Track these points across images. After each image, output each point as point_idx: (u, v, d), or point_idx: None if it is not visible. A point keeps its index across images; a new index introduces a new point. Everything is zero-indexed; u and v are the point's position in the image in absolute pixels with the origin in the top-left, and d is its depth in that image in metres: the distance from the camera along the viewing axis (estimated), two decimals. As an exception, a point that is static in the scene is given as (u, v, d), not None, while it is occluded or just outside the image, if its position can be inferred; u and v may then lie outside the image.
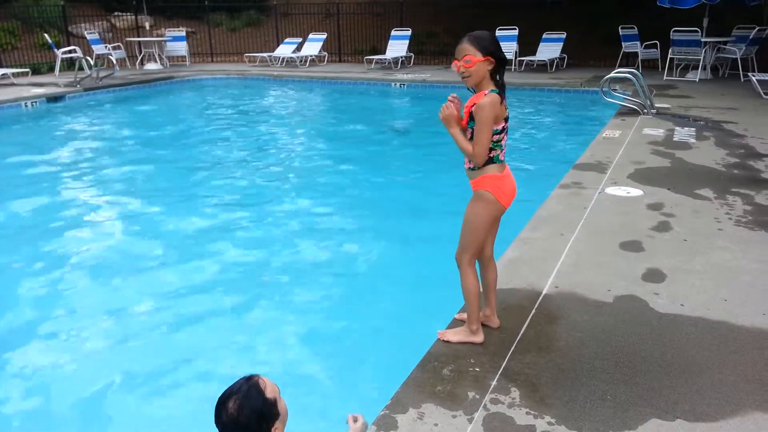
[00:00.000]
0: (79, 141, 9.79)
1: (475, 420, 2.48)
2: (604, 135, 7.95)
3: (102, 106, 12.92)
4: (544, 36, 15.83)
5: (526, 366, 2.84)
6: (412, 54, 17.60)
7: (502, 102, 2.73)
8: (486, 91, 2.71)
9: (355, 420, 2.37)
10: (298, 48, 18.50)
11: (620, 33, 14.83)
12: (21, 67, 15.14)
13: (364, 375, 3.56)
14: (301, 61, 18.09)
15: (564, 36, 15.55)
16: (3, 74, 13.78)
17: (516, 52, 15.62)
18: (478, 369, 2.83)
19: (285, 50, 18.40)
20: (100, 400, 3.37)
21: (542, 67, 15.61)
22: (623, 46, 14.81)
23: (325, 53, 18.72)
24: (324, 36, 18.47)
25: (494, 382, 2.73)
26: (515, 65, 15.65)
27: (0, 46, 15.70)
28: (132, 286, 4.68)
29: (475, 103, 2.72)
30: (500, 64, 2.76)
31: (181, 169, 8.20)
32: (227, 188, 7.24)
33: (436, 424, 2.46)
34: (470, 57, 2.71)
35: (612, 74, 9.70)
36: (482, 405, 2.57)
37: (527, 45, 15.93)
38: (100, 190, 7.22)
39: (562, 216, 4.85)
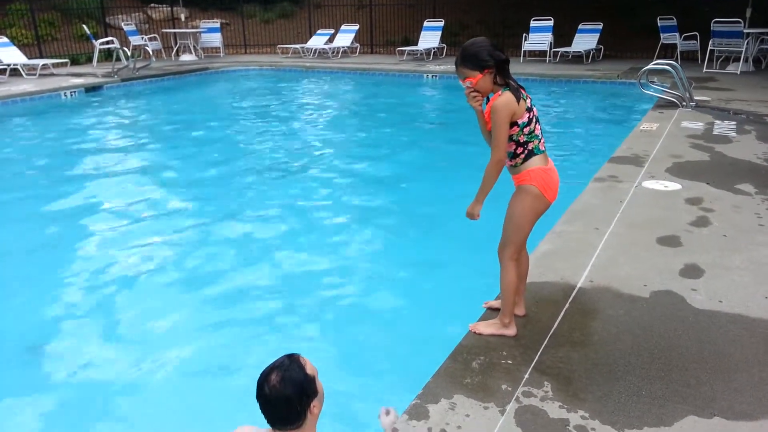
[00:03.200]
0: (116, 130, 9.99)
1: (507, 412, 2.48)
2: (641, 128, 7.79)
3: (138, 97, 13.15)
4: (580, 27, 15.56)
5: (559, 360, 2.82)
6: (444, 45, 17.48)
7: (519, 97, 2.70)
8: (499, 92, 2.69)
9: (387, 413, 2.39)
10: (331, 39, 18.53)
11: (658, 24, 14.50)
12: (60, 58, 15.48)
13: (395, 366, 3.57)
14: (333, 52, 18.12)
15: (600, 27, 15.26)
16: (43, 64, 14.11)
17: (551, 43, 15.40)
18: (510, 361, 2.81)
19: (317, 41, 18.45)
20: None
21: (578, 58, 15.36)
22: (661, 37, 14.48)
23: (357, 44, 18.71)
24: (356, 27, 18.46)
25: (527, 375, 2.71)
26: (550, 56, 15.43)
27: (40, 36, 16.06)
28: (158, 273, 4.76)
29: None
30: (500, 66, 2.70)
31: (214, 158, 8.31)
32: (258, 178, 7.31)
33: (467, 415, 2.46)
34: (470, 79, 2.70)
35: (650, 66, 9.50)
36: (514, 397, 2.56)
37: (562, 36, 15.69)
38: (135, 179, 7.37)
39: (597, 209, 4.78)
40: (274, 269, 4.83)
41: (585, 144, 8.78)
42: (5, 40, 14.31)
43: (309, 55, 18.24)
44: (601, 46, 15.46)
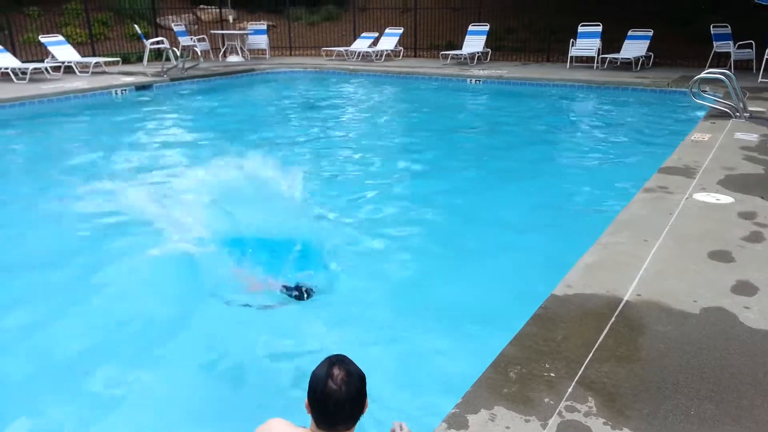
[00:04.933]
0: (164, 128, 10.23)
1: (549, 426, 2.42)
2: (692, 138, 7.57)
3: (186, 96, 13.43)
4: (630, 33, 15.22)
5: (604, 375, 2.74)
6: (489, 50, 17.34)
7: None
8: None
9: (401, 428, 2.32)
10: (375, 42, 18.59)
11: (712, 32, 14.08)
12: (112, 56, 15.92)
13: (433, 374, 3.53)
14: (376, 55, 18.17)
15: (651, 33, 14.90)
16: (96, 63, 14.54)
17: (599, 49, 15.11)
18: (552, 374, 2.75)
19: (361, 45, 18.53)
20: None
21: (626, 65, 15.03)
22: (714, 45, 14.04)
23: (401, 48, 18.72)
24: (400, 31, 18.47)
25: (570, 389, 2.64)
26: (597, 62, 15.15)
27: (94, 35, 16.57)
28: (210, 269, 4.81)
29: None
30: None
31: (259, 158, 8.39)
32: (301, 180, 7.34)
33: (508, 427, 2.42)
34: None
35: (702, 74, 9.21)
36: (557, 411, 2.50)
37: (611, 42, 15.38)
38: (183, 176, 7.51)
39: (645, 221, 4.65)
40: (315, 267, 4.85)
41: (633, 153, 8.58)
42: (60, 38, 14.80)
43: (353, 58, 18.33)
44: (651, 54, 15.10)
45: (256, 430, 1.91)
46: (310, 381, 1.90)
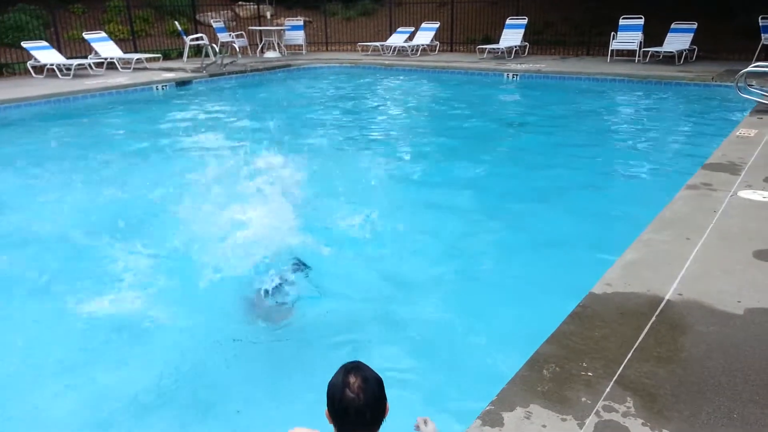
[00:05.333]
0: (203, 123, 10.39)
1: (586, 426, 2.38)
2: (738, 134, 7.34)
3: (225, 92, 13.62)
4: (673, 26, 14.84)
5: (643, 375, 2.68)
6: (527, 43, 17.13)
7: None
8: None
9: (426, 423, 2.27)
10: (410, 37, 18.54)
11: (760, 24, 13.62)
12: (153, 53, 16.25)
13: (468, 371, 3.51)
14: (412, 50, 18.11)
15: (695, 26, 14.50)
16: (137, 59, 14.86)
17: (640, 42, 14.77)
18: (590, 374, 2.71)
19: (397, 39, 18.50)
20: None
21: (669, 58, 14.66)
22: (762, 38, 13.60)
23: (437, 42, 18.63)
24: (437, 25, 18.38)
25: (608, 389, 2.60)
26: (639, 56, 14.81)
27: (135, 32, 16.94)
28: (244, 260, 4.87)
29: None
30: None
31: (296, 152, 8.49)
32: (340, 176, 7.39)
33: (544, 426, 2.39)
34: None
35: (749, 68, 8.93)
36: (594, 411, 2.46)
37: (653, 35, 15.01)
38: (225, 170, 7.63)
39: (688, 218, 4.53)
40: (359, 259, 4.88)
41: (676, 149, 8.37)
42: (103, 35, 15.17)
43: (388, 53, 18.32)
44: (694, 47, 14.69)
45: None
46: (327, 391, 1.86)
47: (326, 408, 1.87)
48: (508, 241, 5.32)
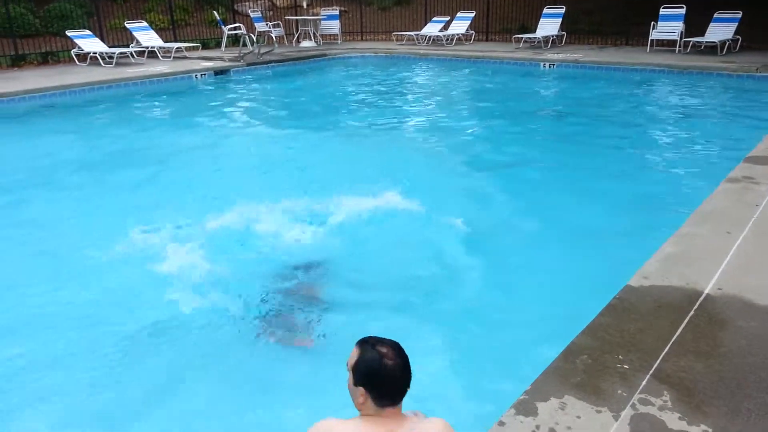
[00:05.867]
0: (241, 111, 10.56)
1: (621, 418, 2.39)
2: (782, 126, 7.14)
3: (262, 80, 13.76)
4: (716, 15, 14.41)
5: (681, 369, 2.67)
6: (564, 33, 16.85)
7: None
8: None
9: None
10: (446, 26, 18.41)
11: (810, 12, 13.15)
12: (192, 42, 16.49)
13: (501, 361, 3.53)
14: (447, 39, 18.00)
15: (739, 16, 14.05)
16: (177, 48, 15.10)
17: (681, 32, 14.40)
18: (626, 366, 2.70)
19: (432, 29, 18.39)
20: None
21: (711, 49, 14.26)
22: (812, 26, 13.13)
23: (472, 32, 18.46)
24: (472, 14, 18.20)
25: (644, 382, 2.59)
26: (680, 46, 14.45)
27: (175, 21, 17.19)
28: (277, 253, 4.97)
29: None
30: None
31: (331, 140, 8.58)
32: (373, 162, 7.44)
33: (578, 417, 2.40)
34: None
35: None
36: (630, 404, 2.46)
37: (695, 25, 14.61)
38: (257, 156, 7.80)
39: (729, 212, 4.44)
40: (393, 242, 4.93)
41: (717, 142, 8.17)
42: (144, 24, 15.45)
43: (423, 43, 18.24)
44: (738, 37, 14.25)
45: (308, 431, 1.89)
46: (360, 371, 1.89)
47: (359, 388, 1.89)
48: (543, 231, 5.28)
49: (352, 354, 1.93)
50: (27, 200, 6.17)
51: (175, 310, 3.97)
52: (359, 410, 1.93)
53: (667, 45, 15.09)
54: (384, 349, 1.88)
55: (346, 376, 1.95)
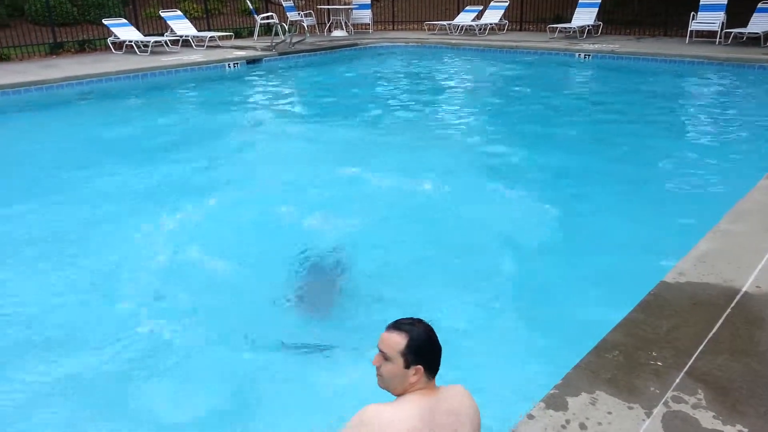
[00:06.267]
0: (273, 100, 10.64)
1: (653, 415, 2.36)
2: (827, 121, 6.91)
3: (294, 70, 13.82)
4: (760, 5, 13.96)
5: (716, 367, 2.62)
6: (600, 23, 16.54)
7: None
8: None
9: None
10: (479, 16, 18.21)
11: None
12: (225, 31, 16.62)
13: (531, 354, 3.51)
14: (480, 29, 17.81)
15: (785, 5, 13.63)
16: (210, 37, 15.25)
17: (723, 22, 14.00)
18: (660, 363, 2.66)
19: (465, 18, 18.21)
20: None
21: (754, 40, 13.84)
22: None
23: (506, 21, 18.24)
24: (506, 3, 17.96)
25: (678, 380, 2.55)
26: (720, 37, 14.06)
27: (208, 10, 17.34)
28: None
29: None
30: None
31: (362, 130, 8.60)
32: (404, 154, 7.43)
33: (609, 412, 2.38)
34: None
35: None
36: (663, 401, 2.43)
37: (737, 15, 14.19)
38: (287, 145, 7.87)
39: (768, 209, 4.34)
40: (422, 235, 4.93)
41: (757, 136, 7.94)
42: (179, 13, 15.62)
43: (455, 32, 18.08)
44: (783, 27, 13.81)
45: (353, 419, 1.93)
46: (415, 349, 1.96)
47: (412, 368, 1.96)
48: (577, 225, 5.23)
49: (393, 341, 1.98)
50: (95, 175, 6.56)
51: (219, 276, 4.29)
52: (401, 394, 2.00)
53: (707, 36, 14.69)
54: (422, 324, 2.01)
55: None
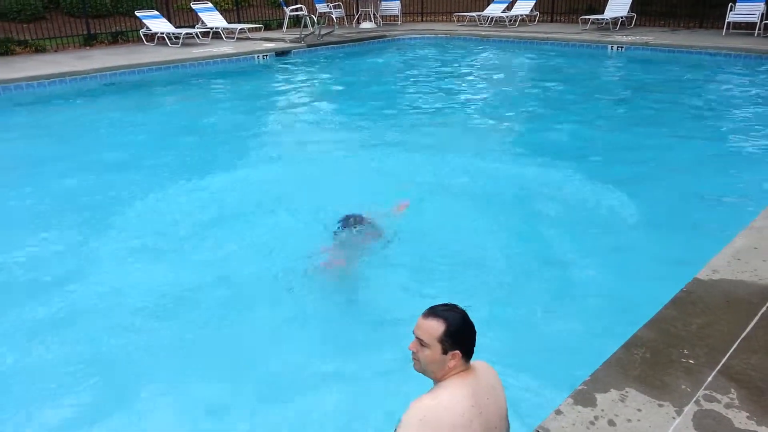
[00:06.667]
0: (301, 92, 10.68)
1: (684, 413, 2.32)
2: None
3: (322, 62, 13.84)
4: (802, -5, 13.56)
5: (751, 367, 2.56)
6: (634, 14, 16.22)
7: None
8: None
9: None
10: (509, 7, 18.01)
11: None
12: (255, 23, 16.72)
13: (560, 350, 3.47)
14: (510, 20, 17.61)
15: (828, -5, 13.18)
16: (240, 29, 15.36)
17: (762, 13, 13.61)
18: (692, 361, 2.61)
19: (495, 9, 18.02)
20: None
21: (794, 32, 13.45)
22: None
23: (537, 13, 18.01)
24: (537, -6, 17.75)
25: (710, 378, 2.50)
26: (759, 29, 13.67)
27: (238, 3, 17.45)
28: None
29: None
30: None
31: (392, 123, 8.59)
32: (430, 147, 7.40)
33: (639, 410, 2.34)
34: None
35: None
36: (694, 399, 2.39)
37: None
38: (316, 136, 7.92)
39: (808, 206, 4.22)
40: (446, 234, 4.92)
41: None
42: (209, 5, 15.75)
43: (485, 24, 17.91)
44: (826, 18, 13.38)
45: (409, 418, 1.91)
46: (453, 335, 1.98)
47: (450, 353, 1.99)
48: (607, 221, 5.14)
49: (431, 327, 2.00)
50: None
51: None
52: (440, 379, 2.03)
53: (746, 28, 14.31)
54: (457, 309, 2.04)
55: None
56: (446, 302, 2.09)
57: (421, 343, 2.01)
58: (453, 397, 1.95)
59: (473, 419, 1.93)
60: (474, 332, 2.04)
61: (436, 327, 1.99)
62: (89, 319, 3.82)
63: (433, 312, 2.03)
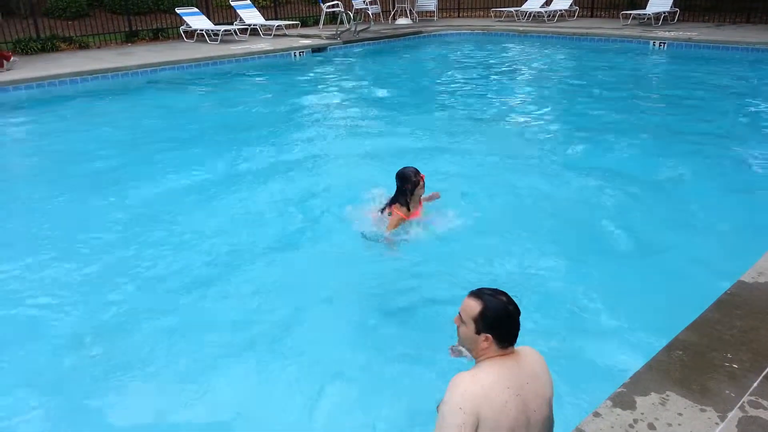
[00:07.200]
0: (336, 88, 10.72)
1: (728, 419, 2.26)
2: None
3: (358, 58, 13.87)
4: None
5: (798, 373, 2.48)
6: (677, 9, 15.82)
7: None
8: None
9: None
10: (547, 2, 17.75)
11: None
12: (292, 20, 16.85)
13: (600, 352, 3.41)
14: (548, 15, 17.36)
15: None
16: (278, 26, 15.49)
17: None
18: (735, 366, 2.55)
19: (533, 4, 17.79)
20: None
21: None
22: None
23: (576, 7, 17.72)
24: (577, -11, 17.47)
25: (756, 383, 2.44)
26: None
27: (276, 0, 17.61)
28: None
29: None
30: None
31: (426, 117, 8.57)
32: (466, 143, 7.35)
33: (680, 414, 2.30)
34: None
35: None
36: (738, 405, 2.33)
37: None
38: (352, 132, 7.93)
39: None
40: (474, 232, 4.88)
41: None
42: (248, 2, 15.93)
43: (523, 19, 17.70)
44: None
45: (452, 395, 1.99)
46: (488, 318, 2.07)
47: (482, 335, 2.08)
48: (648, 221, 5.03)
49: (469, 306, 2.12)
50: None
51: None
52: (478, 357, 2.15)
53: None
54: (504, 297, 2.11)
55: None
56: (497, 288, 2.16)
57: (461, 319, 2.15)
58: (489, 376, 2.04)
59: (508, 400, 2.00)
60: (514, 322, 2.09)
61: (473, 307, 2.11)
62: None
63: (477, 293, 2.14)
